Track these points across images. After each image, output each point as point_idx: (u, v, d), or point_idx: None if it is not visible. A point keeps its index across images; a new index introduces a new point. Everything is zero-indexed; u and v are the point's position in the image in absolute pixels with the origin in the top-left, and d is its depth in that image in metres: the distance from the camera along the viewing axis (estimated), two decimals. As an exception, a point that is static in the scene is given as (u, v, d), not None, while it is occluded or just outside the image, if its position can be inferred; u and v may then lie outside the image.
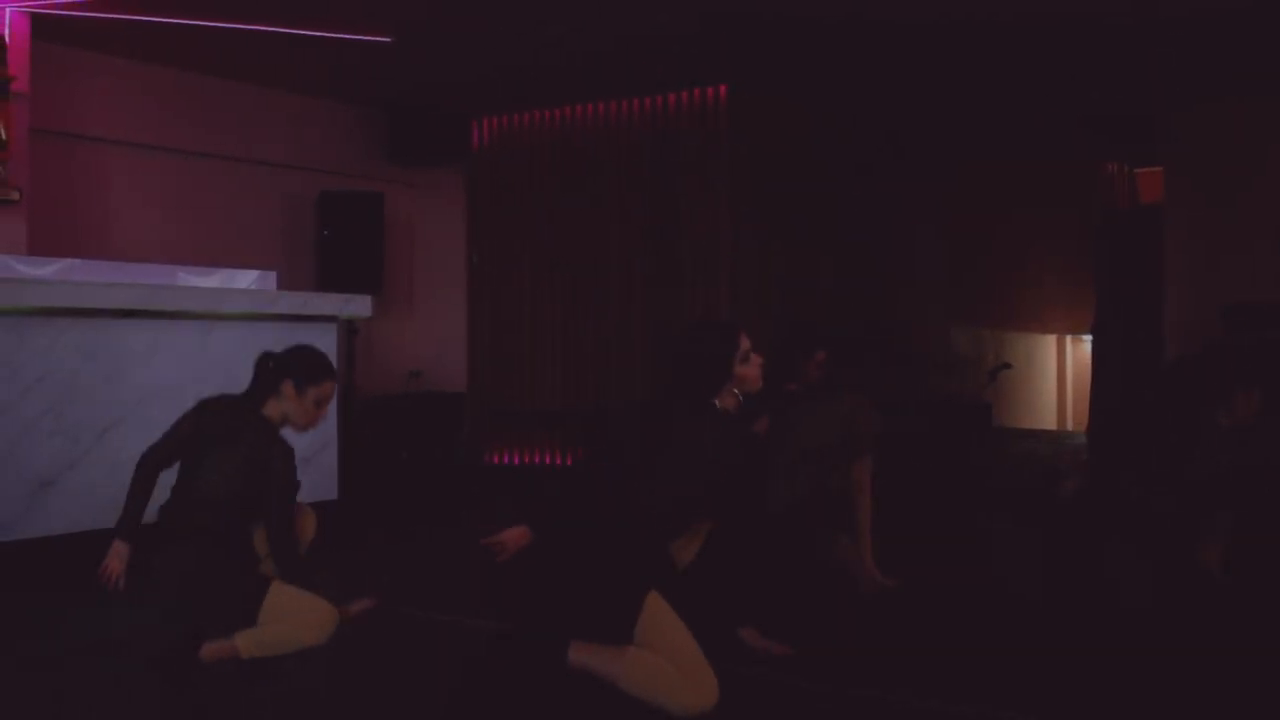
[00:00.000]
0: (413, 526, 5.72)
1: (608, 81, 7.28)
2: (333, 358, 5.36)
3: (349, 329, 6.98)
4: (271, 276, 5.66)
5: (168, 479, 2.81)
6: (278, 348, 2.91)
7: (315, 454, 4.91)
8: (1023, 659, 3.18)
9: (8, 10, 5.50)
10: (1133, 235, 8.36)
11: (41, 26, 5.83)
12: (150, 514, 2.77)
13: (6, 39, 5.42)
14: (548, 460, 7.92)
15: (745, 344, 2.69)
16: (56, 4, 5.52)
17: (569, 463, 7.80)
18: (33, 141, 5.83)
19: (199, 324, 4.76)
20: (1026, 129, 8.62)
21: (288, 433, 2.90)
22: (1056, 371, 12.40)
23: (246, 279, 5.46)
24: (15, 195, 5.38)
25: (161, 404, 4.51)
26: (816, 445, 3.69)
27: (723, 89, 7.24)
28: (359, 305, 5.37)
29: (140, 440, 2.85)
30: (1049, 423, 11.90)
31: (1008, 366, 8.78)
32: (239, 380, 2.93)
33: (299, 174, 7.69)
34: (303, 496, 2.95)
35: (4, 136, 5.31)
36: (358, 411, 7.20)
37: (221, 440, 2.75)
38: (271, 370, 2.86)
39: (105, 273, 5.16)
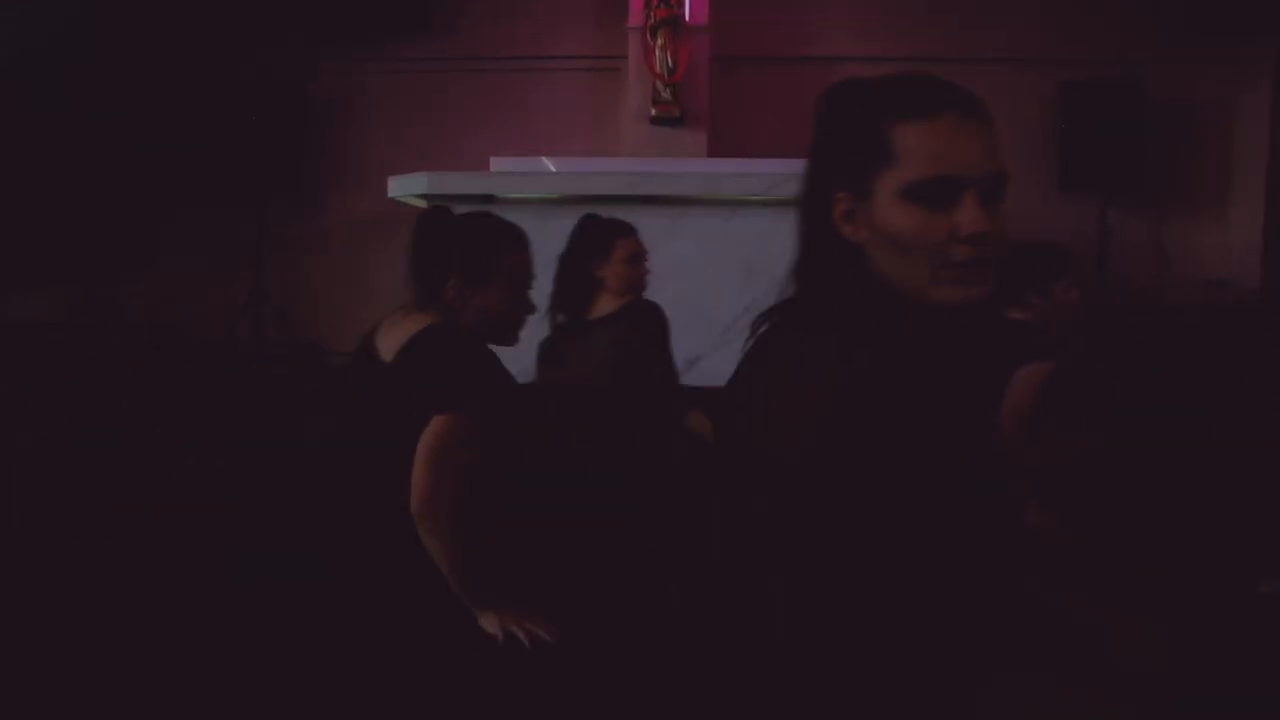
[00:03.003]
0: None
1: None
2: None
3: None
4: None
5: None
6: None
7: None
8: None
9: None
10: None
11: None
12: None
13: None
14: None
15: None
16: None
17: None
18: (734, 67, 6.88)
19: (723, 209, 5.09)
20: None
21: None
22: None
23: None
24: (676, 113, 6.36)
25: (676, 281, 5.06)
26: None
27: None
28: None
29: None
30: None
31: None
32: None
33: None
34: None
35: (671, 65, 6.31)
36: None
37: None
38: None
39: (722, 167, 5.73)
